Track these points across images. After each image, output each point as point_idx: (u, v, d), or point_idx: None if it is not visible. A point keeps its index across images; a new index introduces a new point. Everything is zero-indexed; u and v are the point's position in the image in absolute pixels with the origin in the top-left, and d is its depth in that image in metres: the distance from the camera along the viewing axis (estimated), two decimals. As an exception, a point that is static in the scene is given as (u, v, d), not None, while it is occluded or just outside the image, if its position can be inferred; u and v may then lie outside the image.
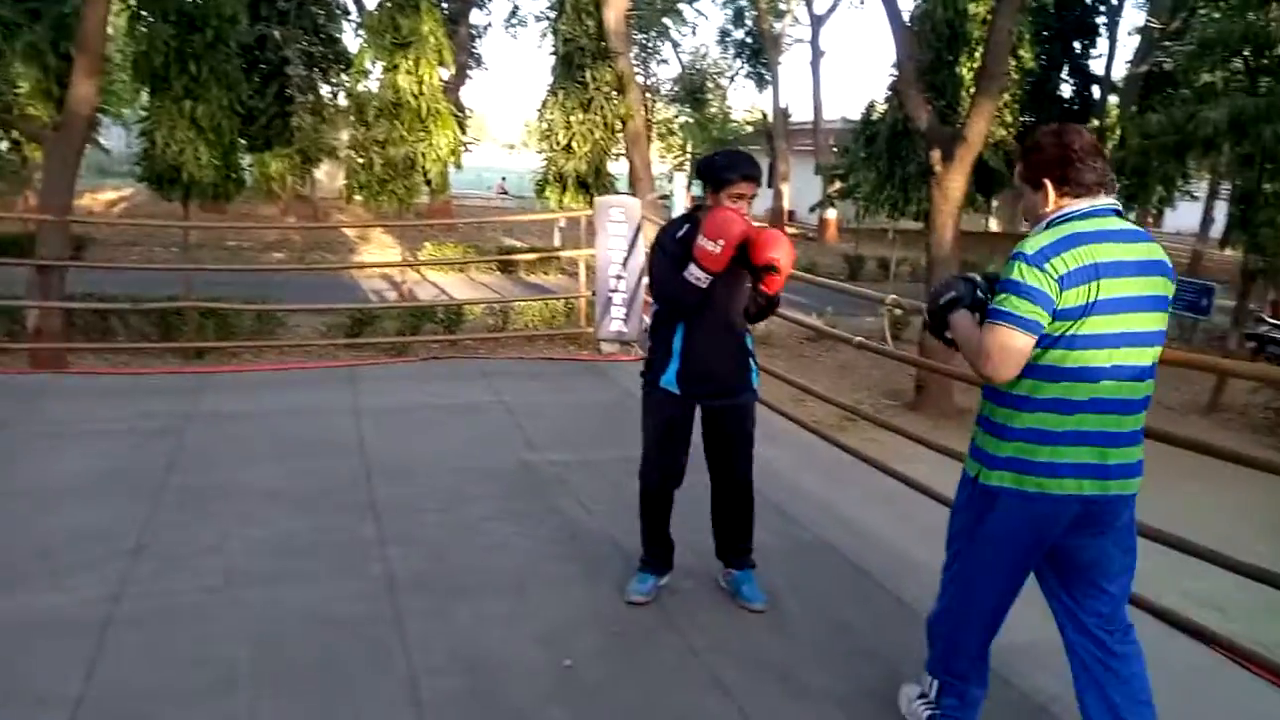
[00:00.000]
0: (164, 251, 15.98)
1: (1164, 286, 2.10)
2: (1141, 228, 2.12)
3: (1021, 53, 19.09)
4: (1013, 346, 2.08)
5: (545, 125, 13.97)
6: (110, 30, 9.59)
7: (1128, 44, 22.23)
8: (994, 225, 29.69)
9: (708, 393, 3.16)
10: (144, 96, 12.13)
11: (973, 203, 19.09)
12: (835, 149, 25.38)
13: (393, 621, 3.12)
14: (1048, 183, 2.10)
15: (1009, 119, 19.03)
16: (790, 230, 28.16)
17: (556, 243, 18.78)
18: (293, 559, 3.59)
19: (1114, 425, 2.09)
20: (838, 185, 22.11)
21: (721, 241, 2.87)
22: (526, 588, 3.42)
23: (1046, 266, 2.01)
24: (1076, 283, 2.01)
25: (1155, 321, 2.09)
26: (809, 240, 25.77)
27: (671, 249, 3.09)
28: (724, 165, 3.01)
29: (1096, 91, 21.32)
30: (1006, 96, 17.84)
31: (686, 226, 3.11)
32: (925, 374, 8.32)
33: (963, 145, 8.61)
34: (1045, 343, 2.08)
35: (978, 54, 15.46)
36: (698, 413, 3.23)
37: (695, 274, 2.94)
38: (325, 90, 18.73)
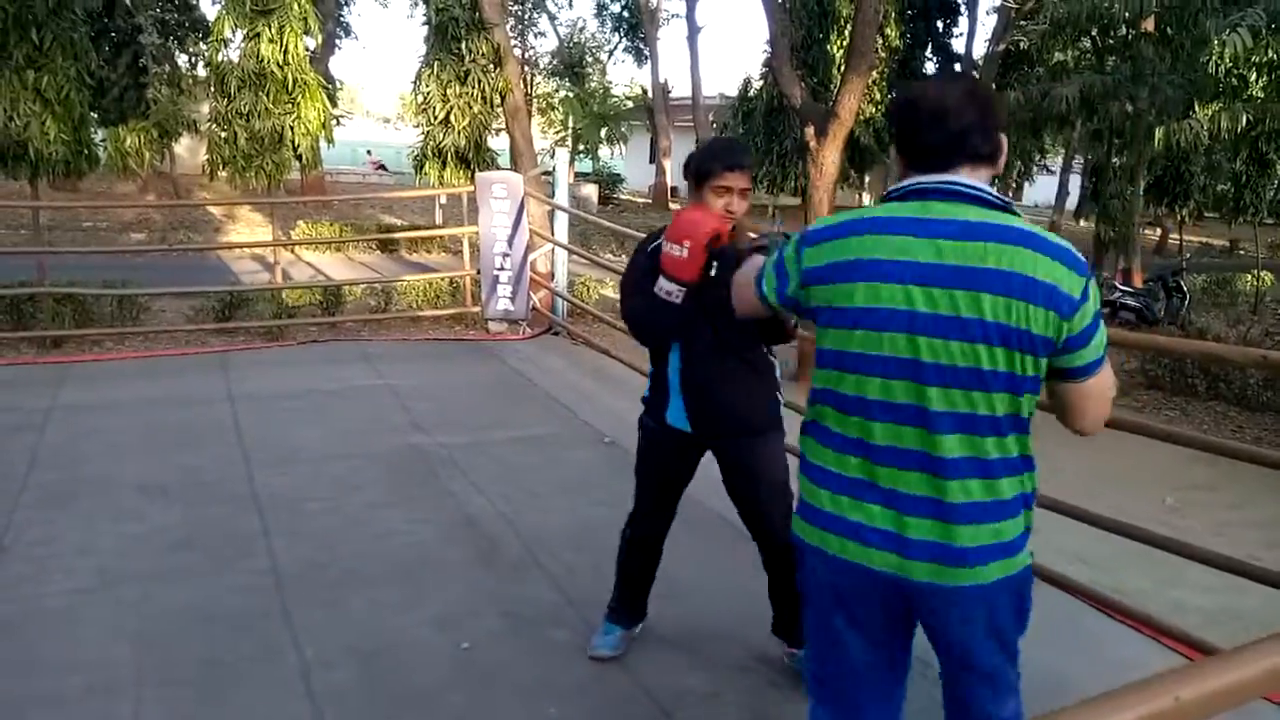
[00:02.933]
0: (11, 234, 14.89)
1: (993, 308, 1.51)
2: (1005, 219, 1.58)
3: (888, 31, 19.74)
4: (746, 295, 1.92)
5: (421, 99, 13.60)
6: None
7: (987, 23, 23.29)
8: (867, 199, 30.74)
9: (726, 431, 2.65)
10: (-21, 66, 11.21)
11: (847, 178, 19.76)
12: (715, 125, 25.70)
13: (281, 615, 3.05)
14: (894, 152, 1.73)
15: (878, 96, 19.69)
16: (674, 205, 28.45)
17: (438, 220, 18.39)
18: (171, 555, 3.46)
19: (899, 482, 1.60)
20: (716, 160, 22.38)
21: (687, 243, 2.38)
22: (420, 574, 3.40)
23: (803, 252, 1.70)
24: (821, 281, 1.66)
25: (959, 355, 1.53)
26: (691, 215, 26.09)
27: (643, 264, 2.62)
28: (703, 156, 2.57)
29: (959, 69, 22.26)
30: (875, 74, 18.46)
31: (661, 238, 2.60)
32: (806, 346, 8.60)
33: (835, 122, 8.87)
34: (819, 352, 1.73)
35: (847, 32, 15.89)
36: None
37: (664, 287, 2.46)
38: (182, 60, 17.75)
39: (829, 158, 8.98)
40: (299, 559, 3.46)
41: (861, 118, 17.30)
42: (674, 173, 29.42)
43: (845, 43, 15.26)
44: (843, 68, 10.55)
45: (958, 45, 22.90)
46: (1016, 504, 1.62)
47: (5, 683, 2.62)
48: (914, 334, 1.56)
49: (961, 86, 1.67)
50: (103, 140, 14.63)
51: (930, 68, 22.29)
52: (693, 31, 28.61)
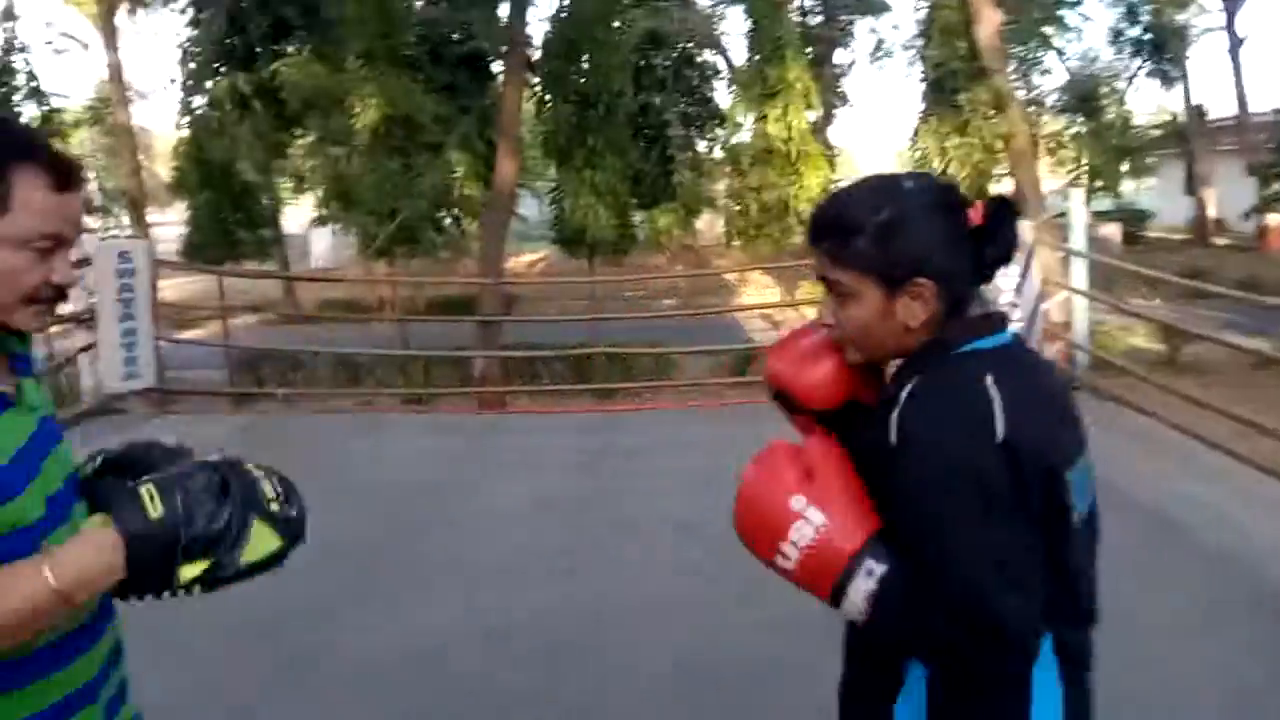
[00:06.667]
0: (574, 304, 17.86)
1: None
2: None
3: None
4: None
5: (918, 154, 13.67)
6: (521, 115, 11.05)
7: None
8: None
9: None
10: (551, 169, 13.89)
11: None
12: (1270, 145, 21.86)
13: (772, 660, 3.19)
14: None
15: None
16: (1220, 241, 24.52)
17: (935, 273, 18.14)
18: (698, 588, 3.80)
19: None
20: (1278, 186, 19.00)
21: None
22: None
23: None
24: None
25: None
26: (1244, 251, 22.22)
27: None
28: None
29: None
30: None
31: None
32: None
33: None
34: None
35: None
36: None
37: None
38: (702, 146, 19.99)
39: None
40: (798, 606, 3.59)
41: None
42: (1216, 204, 25.57)
43: None
44: None
45: None
46: None
47: (579, 679, 3.11)
48: None
49: None
50: (640, 221, 17.02)
51: None
52: (1234, 44, 24.80)
